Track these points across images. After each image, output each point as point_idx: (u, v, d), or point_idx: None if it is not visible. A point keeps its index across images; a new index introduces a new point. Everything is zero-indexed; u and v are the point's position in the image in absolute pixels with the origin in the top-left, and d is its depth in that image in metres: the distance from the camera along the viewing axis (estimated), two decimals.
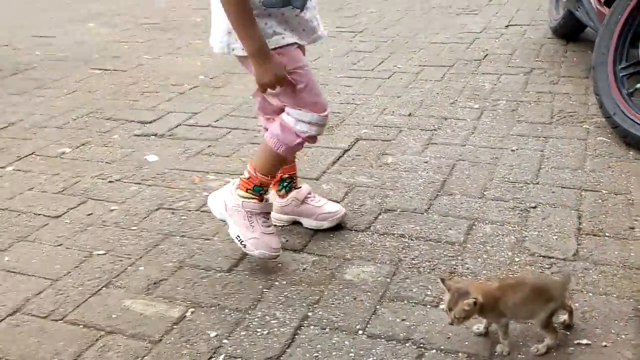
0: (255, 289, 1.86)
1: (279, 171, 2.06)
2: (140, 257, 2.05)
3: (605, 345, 1.56)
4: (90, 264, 2.03)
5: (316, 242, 2.09)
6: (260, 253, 1.91)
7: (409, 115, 3.21)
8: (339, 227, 2.16)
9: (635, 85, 2.78)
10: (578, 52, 4.15)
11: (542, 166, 2.57)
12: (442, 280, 1.52)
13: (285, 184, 2.16)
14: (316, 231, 2.14)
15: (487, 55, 4.24)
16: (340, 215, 2.16)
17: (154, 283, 1.91)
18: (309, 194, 2.18)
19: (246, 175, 1.94)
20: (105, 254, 2.08)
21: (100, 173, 2.70)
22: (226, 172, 2.66)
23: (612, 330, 1.61)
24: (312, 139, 1.91)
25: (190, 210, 2.34)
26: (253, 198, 1.93)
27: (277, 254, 1.94)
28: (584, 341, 1.57)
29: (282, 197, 2.17)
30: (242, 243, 1.93)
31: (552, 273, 1.85)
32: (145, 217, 2.31)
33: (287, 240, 2.10)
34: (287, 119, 1.87)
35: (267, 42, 1.74)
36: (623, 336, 1.59)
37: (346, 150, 2.82)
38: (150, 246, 2.11)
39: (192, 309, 1.78)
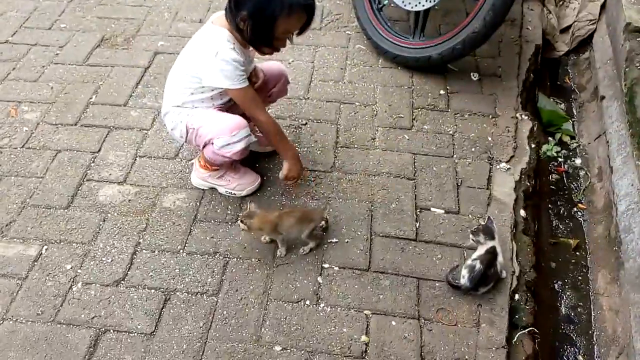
0: (92, 223, 2.56)
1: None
2: None
3: (347, 241, 2.53)
4: None
5: (136, 174, 2.78)
6: (248, 191, 2.69)
7: (199, 22, 3.80)
8: (154, 157, 2.86)
9: (384, 1, 3.62)
10: None
11: (313, 79, 3.39)
12: (241, 221, 2.36)
13: None
14: (134, 163, 2.82)
15: None
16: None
17: (6, 225, 2.52)
18: None
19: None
20: None
21: None
22: (39, 101, 3.15)
23: (352, 229, 2.58)
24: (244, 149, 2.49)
25: (16, 148, 2.87)
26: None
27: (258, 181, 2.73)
28: (334, 240, 2.53)
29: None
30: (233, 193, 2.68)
31: (316, 185, 2.76)
32: None
33: (110, 174, 2.77)
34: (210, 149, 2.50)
35: (195, 107, 2.49)
36: (359, 233, 2.56)
37: (146, 68, 3.41)
38: None
39: (45, 247, 2.45)
